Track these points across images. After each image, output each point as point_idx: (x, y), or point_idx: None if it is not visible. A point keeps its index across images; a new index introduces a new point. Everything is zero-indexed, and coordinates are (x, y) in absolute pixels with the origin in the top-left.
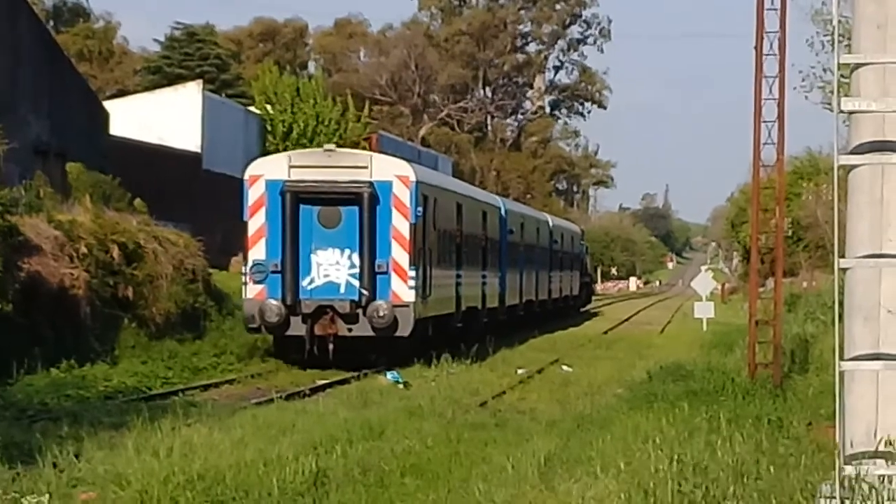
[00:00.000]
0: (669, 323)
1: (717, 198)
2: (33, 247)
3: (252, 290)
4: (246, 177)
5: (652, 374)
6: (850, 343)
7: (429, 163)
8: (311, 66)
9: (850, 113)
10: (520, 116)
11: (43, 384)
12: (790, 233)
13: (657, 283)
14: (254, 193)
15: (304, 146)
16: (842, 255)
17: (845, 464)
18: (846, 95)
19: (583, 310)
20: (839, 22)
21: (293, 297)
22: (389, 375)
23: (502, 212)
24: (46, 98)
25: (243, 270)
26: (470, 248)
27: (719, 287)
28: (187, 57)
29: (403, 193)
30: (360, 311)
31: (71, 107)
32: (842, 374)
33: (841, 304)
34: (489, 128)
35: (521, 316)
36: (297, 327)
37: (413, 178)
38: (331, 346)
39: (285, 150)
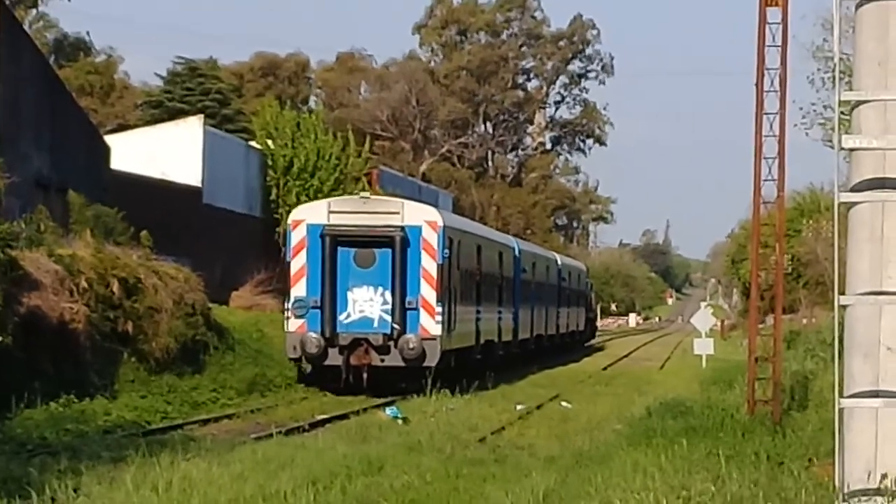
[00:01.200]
0: (669, 359)
1: (717, 234)
2: (33, 281)
3: (294, 324)
4: (289, 221)
5: (651, 411)
6: (849, 380)
7: (429, 198)
8: (312, 101)
9: (851, 150)
10: (520, 152)
11: (42, 418)
12: (790, 269)
13: (657, 319)
14: (296, 236)
15: (305, 181)
16: (842, 292)
17: (844, 501)
18: (847, 132)
19: (587, 344)
20: (840, 59)
21: (331, 330)
22: (389, 411)
23: (516, 252)
24: (48, 132)
25: (286, 306)
26: (488, 285)
27: (719, 323)
28: (189, 91)
29: (432, 237)
30: (391, 343)
31: (72, 141)
32: (841, 411)
33: (841, 340)
34: (490, 163)
35: (532, 349)
36: (335, 358)
37: (440, 222)
38: (365, 375)
39: (286, 184)
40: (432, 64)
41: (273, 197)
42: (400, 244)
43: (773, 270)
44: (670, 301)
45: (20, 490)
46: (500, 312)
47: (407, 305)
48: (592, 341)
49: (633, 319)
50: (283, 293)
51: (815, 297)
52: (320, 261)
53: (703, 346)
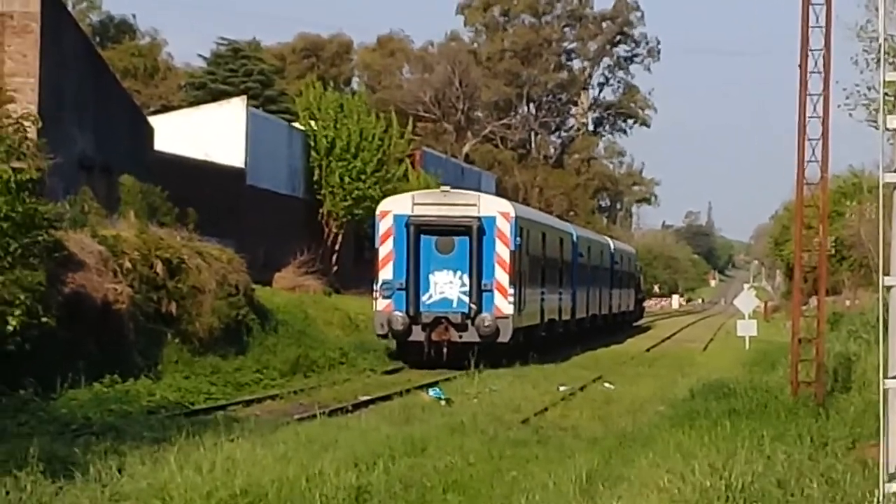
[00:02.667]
0: (712, 341)
1: (761, 216)
2: (77, 262)
3: (381, 304)
4: (377, 211)
5: (694, 392)
6: (893, 361)
7: (472, 180)
8: (355, 83)
9: None
10: (563, 133)
11: (86, 399)
12: (833, 251)
13: (700, 300)
14: (384, 225)
15: (348, 162)
16: (886, 274)
17: (888, 481)
18: (891, 113)
19: (635, 324)
20: (885, 40)
21: (415, 309)
22: (431, 392)
23: (574, 238)
24: (91, 113)
25: (374, 288)
26: (550, 269)
27: (762, 305)
28: (232, 73)
29: (505, 226)
30: (469, 321)
31: (116, 122)
32: (885, 392)
33: (885, 322)
34: (532, 145)
35: (588, 328)
36: (418, 334)
37: (513, 213)
38: (444, 350)
39: (328, 165)
40: (475, 45)
41: (316, 178)
42: (477, 233)
43: (816, 252)
44: (713, 283)
45: (65, 470)
46: (560, 294)
47: (483, 287)
48: (641, 321)
49: (675, 301)
50: (372, 277)
51: (858, 278)
52: (405, 247)
53: (747, 328)
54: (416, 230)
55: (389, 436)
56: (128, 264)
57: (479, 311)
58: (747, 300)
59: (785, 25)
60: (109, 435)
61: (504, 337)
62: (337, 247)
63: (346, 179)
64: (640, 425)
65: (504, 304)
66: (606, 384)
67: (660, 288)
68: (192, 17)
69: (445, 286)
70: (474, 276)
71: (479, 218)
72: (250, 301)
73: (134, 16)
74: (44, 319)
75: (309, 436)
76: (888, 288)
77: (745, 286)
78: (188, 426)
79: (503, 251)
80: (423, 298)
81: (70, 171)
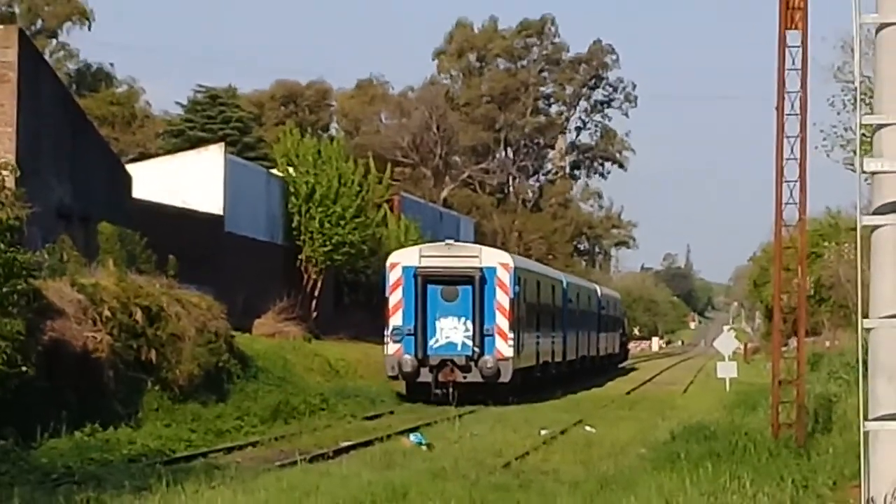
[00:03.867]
0: (692, 383)
1: (739, 258)
2: (56, 310)
3: (392, 348)
4: (387, 263)
5: (675, 435)
6: (874, 403)
7: (451, 224)
8: (333, 129)
9: (873, 173)
10: (541, 177)
11: (66, 447)
12: (812, 292)
13: (680, 342)
14: (393, 276)
15: (328, 207)
16: (865, 315)
17: None
18: (869, 155)
19: (620, 365)
20: (861, 81)
21: (423, 352)
22: (412, 437)
23: (565, 285)
24: (69, 161)
25: (385, 333)
26: (544, 315)
27: (742, 347)
28: (209, 120)
29: (505, 276)
30: (472, 363)
31: (94, 170)
32: (866, 433)
33: (865, 363)
34: (511, 189)
35: (577, 368)
36: (426, 375)
37: (512, 264)
38: (451, 390)
39: (307, 211)
40: (452, 90)
41: (295, 224)
42: (479, 282)
43: (795, 293)
44: (693, 325)
45: None
46: (553, 337)
47: (485, 332)
48: (625, 363)
49: (655, 343)
50: (383, 323)
51: (837, 319)
52: (413, 296)
53: (727, 370)
54: (423, 280)
55: (371, 482)
56: (107, 312)
57: (482, 353)
58: (727, 342)
59: (761, 68)
60: (90, 484)
61: (505, 377)
62: (316, 293)
63: (326, 225)
64: (622, 468)
65: (504, 348)
66: (587, 427)
67: (640, 330)
68: (169, 65)
69: (451, 331)
70: (477, 321)
71: (480, 269)
72: (230, 348)
73: (112, 64)
74: (23, 368)
75: (290, 482)
76: (867, 329)
77: (725, 328)
78: (169, 474)
79: (503, 299)
80: (431, 342)
81: (48, 219)
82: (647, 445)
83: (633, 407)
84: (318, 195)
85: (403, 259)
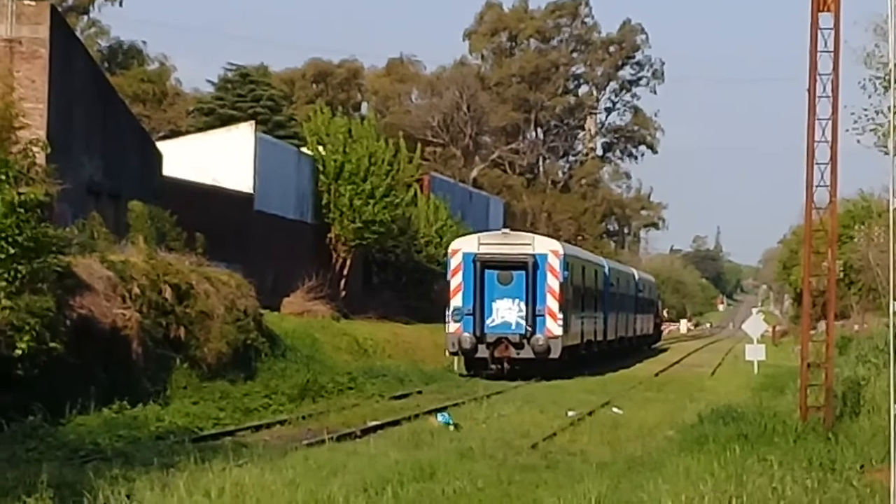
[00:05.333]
0: (720, 365)
1: (769, 240)
2: (86, 287)
3: (453, 327)
4: (449, 250)
5: (703, 417)
6: None
7: (480, 204)
8: (364, 108)
9: None
10: (571, 158)
11: (95, 424)
12: (842, 275)
13: (708, 325)
14: (454, 261)
15: (357, 185)
16: (895, 298)
17: None
18: None
19: (653, 346)
20: (894, 65)
21: (480, 331)
22: (440, 417)
23: (606, 270)
24: (100, 139)
25: (447, 313)
26: (588, 297)
27: (770, 330)
28: (240, 98)
29: (555, 262)
30: (525, 341)
31: (124, 147)
32: (894, 416)
33: (895, 347)
34: (541, 169)
35: (616, 348)
36: (483, 352)
37: (561, 251)
38: (505, 365)
39: (337, 189)
40: (483, 70)
41: (325, 202)
42: (532, 267)
43: (825, 276)
44: (721, 307)
45: (74, 496)
46: (595, 318)
47: (536, 313)
48: (658, 343)
49: (683, 326)
50: (444, 304)
51: (866, 302)
52: (472, 279)
53: (755, 352)
54: (481, 265)
55: (398, 461)
56: (136, 290)
57: (534, 332)
58: (756, 325)
59: (794, 50)
60: (118, 461)
61: (555, 354)
62: (345, 272)
63: (356, 202)
64: (649, 450)
65: (554, 327)
66: (615, 409)
67: (668, 312)
68: (200, 43)
69: (506, 311)
70: (530, 303)
71: (533, 255)
72: (259, 326)
73: (144, 42)
74: (52, 345)
75: (318, 461)
76: None
77: (754, 311)
78: (196, 452)
79: (553, 283)
80: (487, 322)
81: (79, 196)
82: (675, 427)
83: (661, 389)
84: (348, 172)
85: (464, 246)
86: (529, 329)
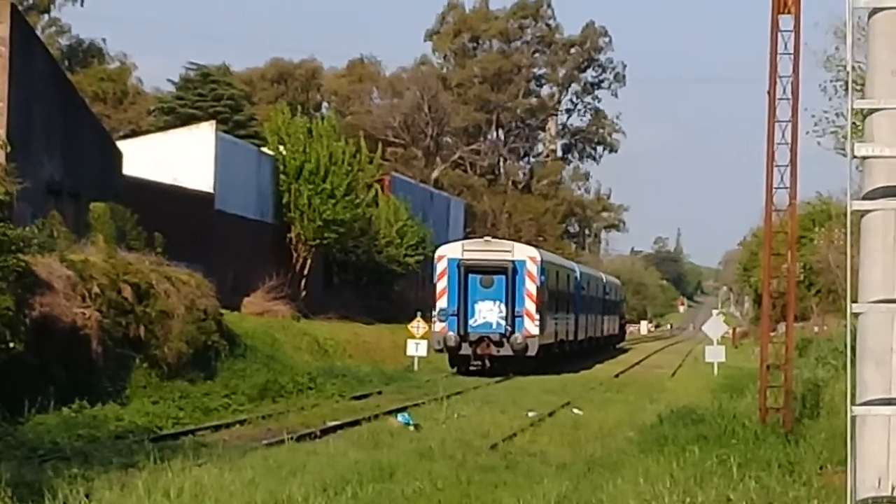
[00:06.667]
0: (680, 367)
1: (729, 242)
2: (45, 286)
3: (438, 326)
4: (435, 256)
5: (663, 418)
6: (861, 388)
7: (441, 205)
8: (324, 108)
9: (864, 158)
10: (532, 159)
11: (54, 423)
12: (802, 277)
13: (668, 326)
14: (440, 266)
15: (317, 185)
16: (854, 301)
17: None
18: (859, 141)
19: (618, 346)
20: (853, 67)
21: (464, 330)
22: (400, 417)
23: (577, 274)
24: (60, 138)
25: (433, 314)
26: (561, 300)
27: (730, 331)
28: (201, 97)
29: (533, 267)
30: (505, 339)
31: (84, 146)
32: (853, 418)
33: (853, 348)
34: (501, 170)
35: (586, 347)
36: (466, 349)
37: (539, 258)
38: (487, 362)
39: (298, 189)
40: (445, 70)
41: (285, 202)
42: (511, 272)
43: (784, 278)
44: (682, 308)
45: (32, 495)
46: (567, 319)
47: (516, 314)
48: (622, 343)
49: (644, 327)
50: (431, 306)
51: (826, 305)
52: (457, 283)
53: (715, 354)
54: (465, 270)
55: (358, 461)
56: (96, 289)
57: (513, 331)
58: (716, 326)
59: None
60: (77, 460)
61: (532, 352)
62: (306, 272)
63: (316, 201)
64: (609, 451)
65: (531, 327)
66: (575, 410)
67: (628, 314)
68: (161, 42)
69: (487, 312)
70: (509, 305)
71: (513, 261)
72: (219, 326)
73: (104, 40)
74: (11, 344)
75: (277, 461)
76: (856, 314)
77: (714, 312)
78: (156, 451)
79: (531, 286)
80: (471, 322)
81: (38, 195)
82: (635, 428)
83: (621, 390)
84: (308, 171)
85: (449, 252)
86: (509, 329)
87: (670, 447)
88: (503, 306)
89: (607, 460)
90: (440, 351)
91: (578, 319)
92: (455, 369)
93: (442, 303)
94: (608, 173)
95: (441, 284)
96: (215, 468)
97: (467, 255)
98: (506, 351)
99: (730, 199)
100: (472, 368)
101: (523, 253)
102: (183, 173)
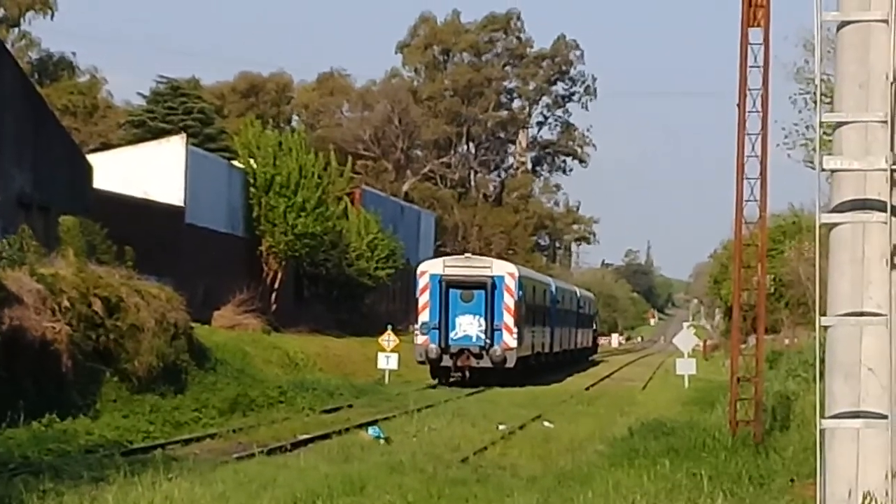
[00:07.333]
0: (651, 379)
1: (700, 255)
2: (15, 300)
3: (420, 339)
4: (418, 271)
5: (633, 431)
6: (830, 401)
7: (411, 218)
8: (295, 121)
9: (833, 171)
10: (502, 172)
11: (24, 437)
12: (772, 290)
13: (639, 339)
14: (422, 281)
15: (288, 198)
16: (823, 313)
17: None
18: (829, 153)
19: (591, 358)
20: (822, 80)
21: (445, 343)
22: (371, 431)
23: (553, 289)
24: (30, 151)
25: (415, 328)
26: (538, 313)
27: (701, 344)
28: (171, 111)
29: (511, 282)
30: (484, 352)
31: (54, 160)
32: (822, 431)
33: (822, 361)
34: (472, 183)
35: (560, 359)
36: (447, 361)
37: (517, 273)
38: (467, 373)
39: (268, 202)
40: (415, 83)
41: (255, 215)
42: (491, 287)
43: (755, 291)
44: (653, 321)
45: None
46: (544, 332)
47: (495, 327)
48: (594, 356)
49: (615, 339)
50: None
51: (797, 317)
52: (438, 297)
53: (686, 367)
54: (446, 285)
55: (328, 475)
56: (66, 302)
57: (492, 344)
58: (686, 339)
59: (724, 65)
60: (47, 474)
61: (510, 363)
62: (276, 285)
63: (290, 214)
64: (580, 464)
65: (510, 339)
66: (546, 423)
67: (599, 327)
68: (131, 56)
69: (467, 326)
70: (488, 318)
71: (492, 277)
72: (189, 339)
73: (74, 53)
74: None
75: (248, 475)
76: (825, 327)
77: (685, 325)
78: (126, 465)
79: (510, 301)
80: (451, 335)
81: (8, 209)
82: (606, 441)
83: (592, 403)
84: (278, 184)
85: (430, 268)
86: (488, 341)
87: (641, 460)
88: (483, 320)
89: (578, 473)
90: (422, 363)
91: (554, 332)
92: (436, 380)
93: (424, 316)
94: (579, 186)
95: (423, 299)
96: (186, 482)
97: (448, 271)
98: (485, 363)
99: (700, 211)
100: (451, 380)
101: (502, 269)
102: (153, 187)
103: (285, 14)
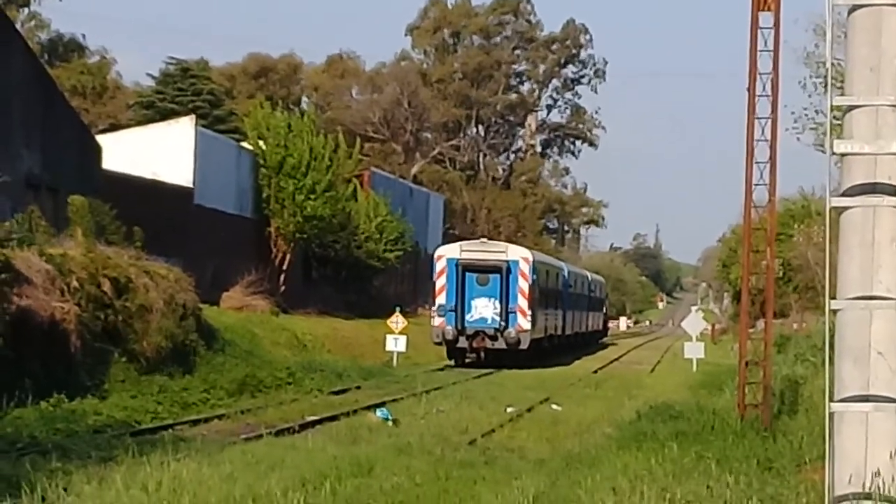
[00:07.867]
0: (659, 363)
1: (708, 238)
2: (24, 280)
3: (437, 321)
4: (435, 255)
5: (641, 414)
6: (839, 384)
7: (420, 200)
8: (304, 103)
9: (843, 155)
10: (511, 155)
11: (32, 417)
12: (781, 274)
13: (647, 322)
14: (439, 265)
15: (298, 179)
16: (832, 297)
17: None
18: (839, 137)
19: (601, 341)
20: (832, 64)
21: (461, 325)
22: (379, 413)
23: (566, 273)
24: (39, 132)
25: (432, 310)
26: (551, 297)
27: (709, 327)
28: (180, 92)
29: (525, 267)
30: (499, 333)
31: (64, 141)
32: (831, 415)
33: (831, 345)
34: (481, 166)
35: (572, 341)
36: (463, 343)
37: (531, 258)
38: (482, 354)
39: (278, 184)
40: (425, 66)
41: (265, 196)
42: (506, 271)
43: (763, 275)
44: (661, 305)
45: (10, 489)
46: (556, 315)
47: (509, 310)
48: (605, 339)
49: (623, 323)
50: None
51: (805, 301)
52: (455, 281)
53: (694, 350)
54: (462, 269)
55: (336, 456)
56: (75, 283)
57: (507, 326)
58: (695, 323)
59: (734, 49)
60: (55, 454)
61: (524, 345)
62: (285, 267)
63: (299, 196)
64: (587, 447)
65: (524, 322)
66: (554, 406)
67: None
68: (141, 37)
69: (483, 308)
70: (503, 301)
71: (507, 261)
72: (198, 320)
73: (83, 35)
74: None
75: (256, 456)
76: (834, 311)
77: (693, 309)
78: (134, 445)
79: (524, 284)
80: (467, 317)
81: (18, 189)
82: (614, 424)
83: (600, 386)
84: (289, 166)
85: (447, 252)
86: (503, 324)
87: (649, 443)
88: (498, 303)
89: (585, 456)
90: (439, 344)
91: (566, 315)
92: (453, 361)
93: (441, 299)
94: (588, 170)
95: (440, 282)
96: (194, 462)
97: (465, 255)
98: (500, 344)
99: (709, 195)
100: (467, 360)
101: (517, 253)
102: (162, 168)
103: None
